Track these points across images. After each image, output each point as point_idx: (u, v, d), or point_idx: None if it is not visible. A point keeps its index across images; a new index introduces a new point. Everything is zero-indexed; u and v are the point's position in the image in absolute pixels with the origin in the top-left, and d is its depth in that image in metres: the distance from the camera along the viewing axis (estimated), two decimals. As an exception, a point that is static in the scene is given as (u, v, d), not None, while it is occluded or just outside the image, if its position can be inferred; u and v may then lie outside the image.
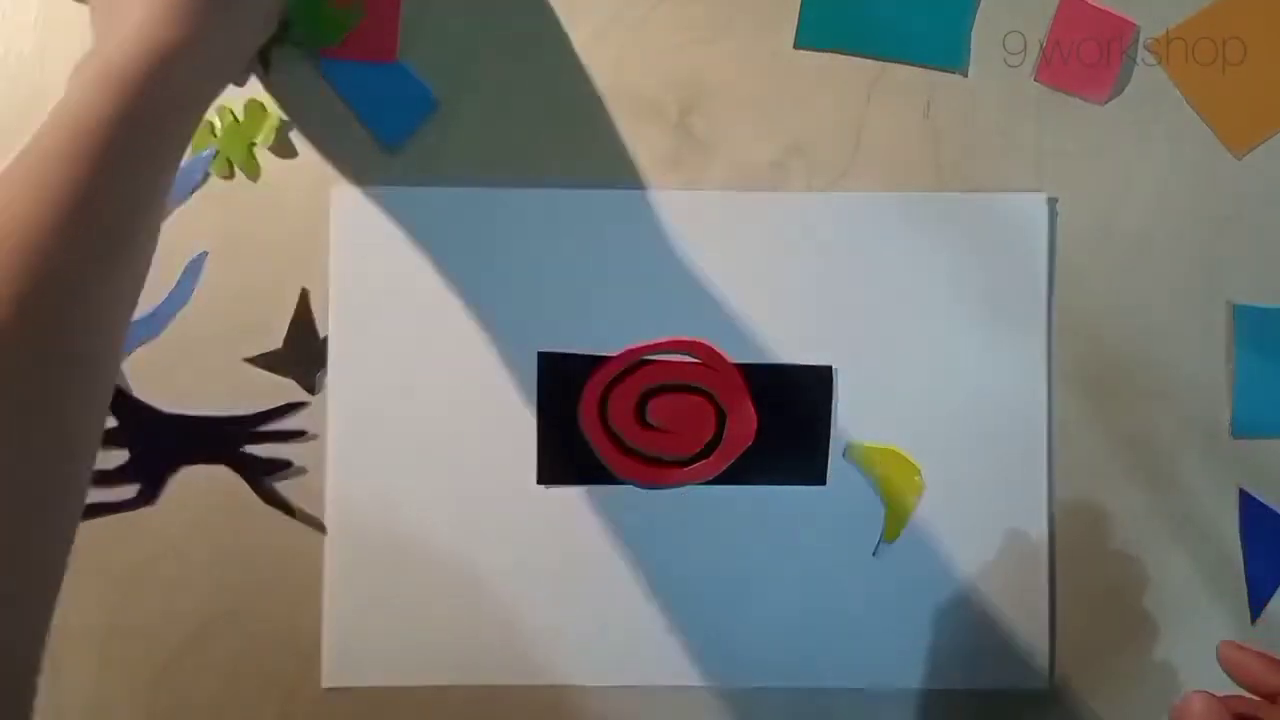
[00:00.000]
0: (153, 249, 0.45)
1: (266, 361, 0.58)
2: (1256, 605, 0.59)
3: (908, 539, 0.58)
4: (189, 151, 0.58)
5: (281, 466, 0.58)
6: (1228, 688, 0.58)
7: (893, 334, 0.58)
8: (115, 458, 0.58)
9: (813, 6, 0.58)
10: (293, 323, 0.58)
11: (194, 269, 0.58)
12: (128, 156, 0.43)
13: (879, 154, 0.59)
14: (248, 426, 0.58)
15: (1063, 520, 0.59)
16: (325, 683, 0.58)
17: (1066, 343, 0.59)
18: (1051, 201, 0.59)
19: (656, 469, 0.58)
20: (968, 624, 0.58)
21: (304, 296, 0.58)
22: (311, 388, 0.58)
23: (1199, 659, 0.58)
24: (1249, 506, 0.59)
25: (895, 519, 0.58)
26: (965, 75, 0.59)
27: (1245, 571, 0.59)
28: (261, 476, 0.58)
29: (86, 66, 0.45)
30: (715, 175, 0.59)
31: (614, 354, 0.58)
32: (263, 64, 0.58)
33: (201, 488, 0.58)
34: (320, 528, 0.58)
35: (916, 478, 0.58)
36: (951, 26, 0.59)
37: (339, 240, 0.58)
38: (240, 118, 0.58)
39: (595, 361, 0.58)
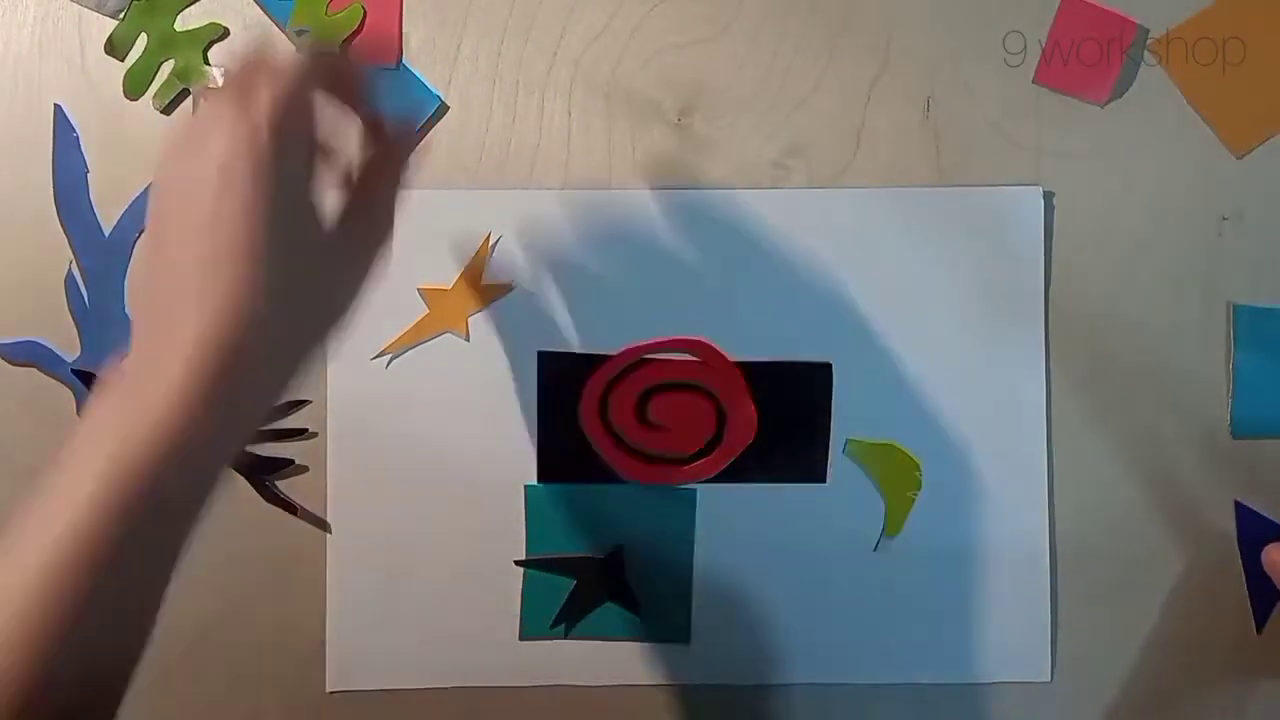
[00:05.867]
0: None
1: None
2: (1260, 616, 0.59)
3: (908, 534, 0.58)
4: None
5: (283, 465, 0.58)
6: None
7: (892, 330, 0.59)
8: (117, 459, 0.58)
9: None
10: None
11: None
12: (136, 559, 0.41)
13: (879, 154, 0.59)
14: (248, 426, 0.58)
15: (1062, 511, 0.59)
16: (329, 686, 0.58)
17: (1067, 343, 0.59)
18: (1047, 195, 0.59)
19: (657, 467, 0.58)
20: (968, 618, 0.58)
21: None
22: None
23: (1200, 652, 0.59)
24: (1245, 519, 0.59)
25: (895, 514, 0.58)
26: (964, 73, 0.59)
27: (1246, 585, 0.59)
28: (263, 475, 0.58)
29: (89, 450, 0.40)
30: (715, 175, 0.59)
31: (614, 353, 0.58)
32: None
33: (202, 488, 0.58)
34: (324, 526, 0.58)
35: (916, 473, 0.58)
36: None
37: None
38: (240, 118, 0.58)
39: (595, 360, 0.58)
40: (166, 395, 0.39)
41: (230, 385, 0.39)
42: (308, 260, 0.42)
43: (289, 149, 0.41)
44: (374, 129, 0.48)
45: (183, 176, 0.41)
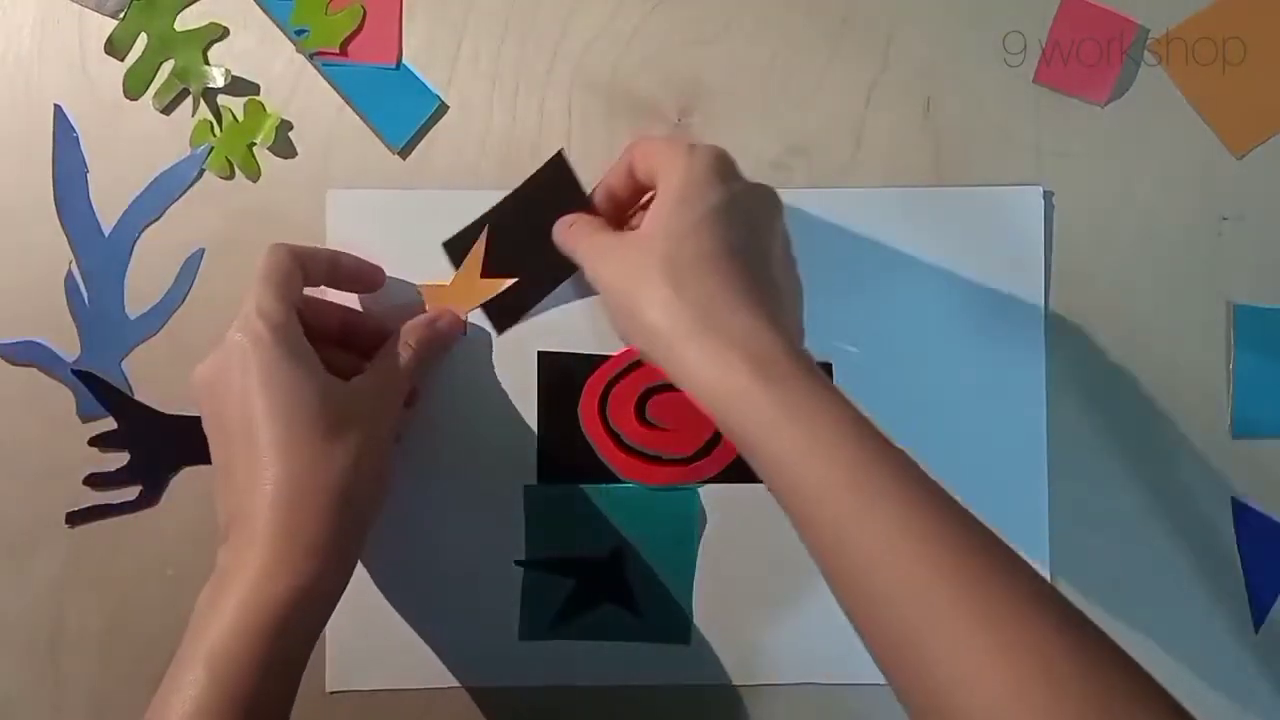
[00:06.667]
0: None
1: None
2: (1259, 615, 0.59)
3: (907, 537, 0.58)
4: (185, 148, 0.58)
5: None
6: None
7: (892, 329, 0.59)
8: (116, 460, 0.58)
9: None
10: None
11: (191, 266, 0.58)
12: (272, 698, 0.46)
13: (879, 155, 0.59)
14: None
15: (1062, 511, 0.59)
16: (329, 686, 0.58)
17: (1066, 342, 0.59)
18: (1047, 195, 0.59)
19: (657, 467, 0.58)
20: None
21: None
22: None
23: (1200, 652, 0.59)
24: (1245, 518, 0.59)
25: (895, 517, 0.58)
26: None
27: (1246, 584, 0.59)
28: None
29: (222, 603, 0.46)
30: (715, 175, 0.59)
31: (614, 353, 0.58)
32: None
33: (203, 488, 0.58)
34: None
35: (916, 474, 0.58)
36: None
37: (335, 244, 0.58)
38: (240, 118, 0.58)
39: (595, 360, 0.58)
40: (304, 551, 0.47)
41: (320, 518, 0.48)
42: (340, 407, 0.49)
43: (283, 331, 0.49)
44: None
45: (211, 382, 0.50)
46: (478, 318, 0.58)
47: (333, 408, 0.49)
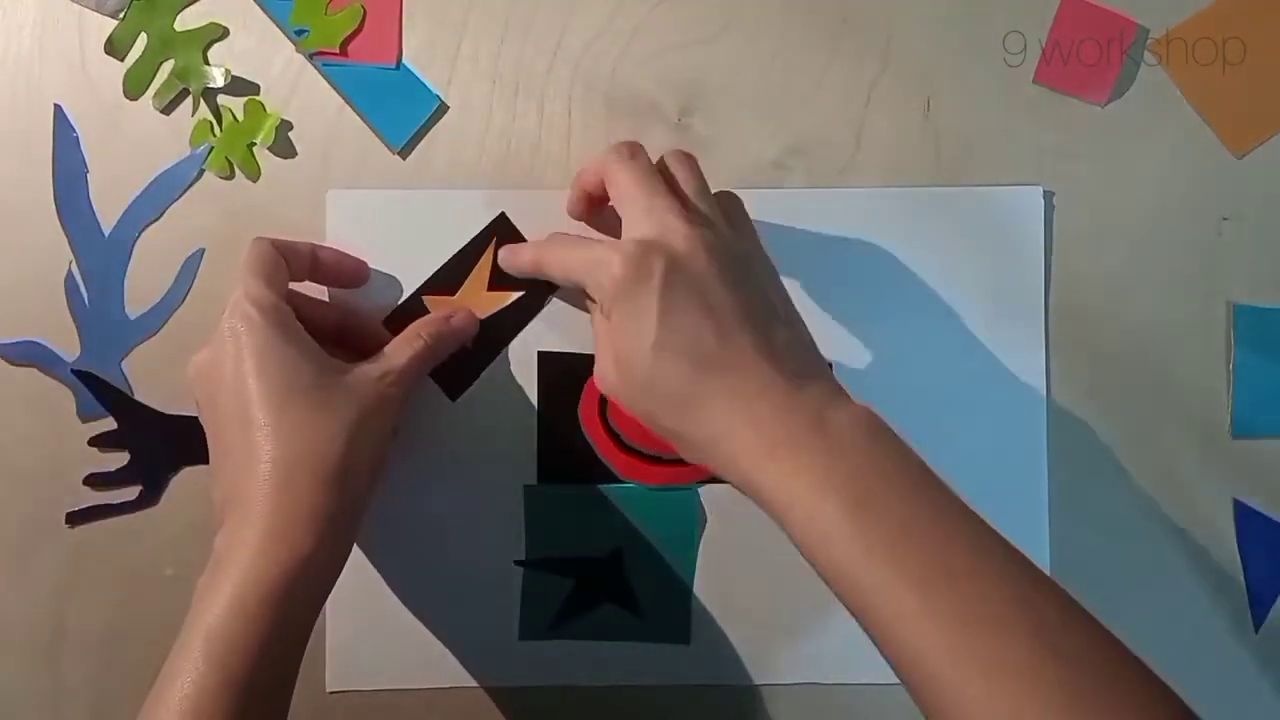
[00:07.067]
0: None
1: None
2: (1259, 615, 0.59)
3: (907, 537, 0.58)
4: (185, 148, 0.58)
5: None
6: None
7: (892, 329, 0.58)
8: (116, 459, 0.58)
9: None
10: None
11: (191, 266, 0.58)
12: (270, 680, 0.46)
13: (879, 155, 0.59)
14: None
15: (1062, 511, 0.59)
16: (329, 686, 0.58)
17: (1066, 343, 0.59)
18: (1047, 194, 0.59)
19: (657, 467, 0.58)
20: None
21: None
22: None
23: (1200, 652, 0.59)
24: (1245, 518, 0.59)
25: (895, 517, 0.58)
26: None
27: (1246, 584, 0.59)
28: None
29: (219, 585, 0.46)
30: (715, 175, 0.58)
31: (614, 353, 0.58)
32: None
33: (203, 488, 0.57)
34: (321, 527, 0.58)
35: (916, 474, 0.58)
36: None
37: (335, 244, 0.58)
38: (240, 118, 0.58)
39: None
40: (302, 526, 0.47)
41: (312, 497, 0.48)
42: (331, 388, 0.50)
43: (273, 313, 0.50)
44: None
45: (206, 371, 0.50)
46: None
47: (328, 383, 0.49)
